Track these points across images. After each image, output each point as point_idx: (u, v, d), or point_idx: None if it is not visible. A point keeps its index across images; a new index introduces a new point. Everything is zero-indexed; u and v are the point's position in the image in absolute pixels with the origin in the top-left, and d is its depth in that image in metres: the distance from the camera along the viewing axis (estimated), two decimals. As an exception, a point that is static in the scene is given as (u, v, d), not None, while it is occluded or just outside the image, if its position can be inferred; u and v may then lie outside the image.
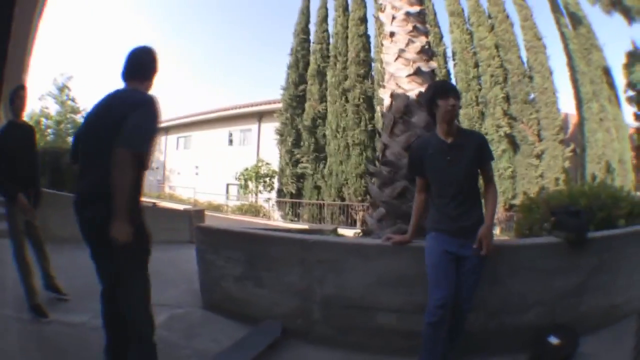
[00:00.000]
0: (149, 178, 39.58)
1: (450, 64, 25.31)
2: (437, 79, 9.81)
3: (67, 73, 40.46)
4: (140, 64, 3.47)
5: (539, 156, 21.94)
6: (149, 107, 3.13)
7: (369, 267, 4.50)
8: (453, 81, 23.31)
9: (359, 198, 22.00)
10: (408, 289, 4.32)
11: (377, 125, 21.84)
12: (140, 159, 3.01)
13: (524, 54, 23.37)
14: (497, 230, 16.96)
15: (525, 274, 4.37)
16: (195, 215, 13.94)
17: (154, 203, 18.58)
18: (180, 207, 18.86)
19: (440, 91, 3.80)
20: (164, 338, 4.21)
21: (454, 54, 24.82)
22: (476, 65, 23.51)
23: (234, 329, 4.98)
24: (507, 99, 22.46)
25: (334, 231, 11.68)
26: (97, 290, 4.37)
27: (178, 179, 38.56)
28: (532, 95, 22.76)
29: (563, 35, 24.66)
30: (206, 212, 17.30)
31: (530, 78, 22.72)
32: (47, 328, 4.66)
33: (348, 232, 12.74)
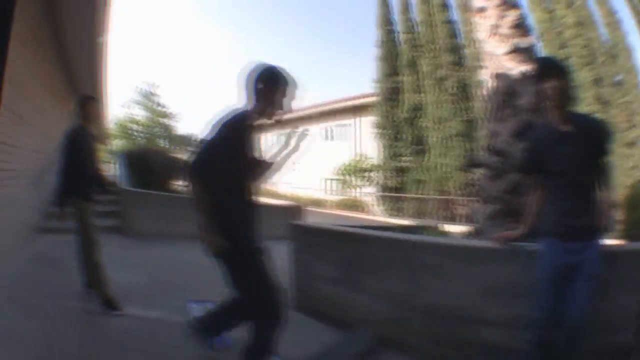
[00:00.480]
0: None
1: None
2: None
3: (151, 81, 43.76)
4: None
5: (631, 145, 19.82)
6: None
7: (477, 273, 4.01)
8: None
9: (461, 192, 21.17)
10: (519, 300, 3.74)
11: (475, 115, 21.06)
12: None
13: (603, 31, 21.18)
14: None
15: (632, 285, 3.67)
16: (290, 210, 13.71)
17: None
18: (281, 202, 18.66)
19: (542, 72, 3.32)
20: (244, 338, 4.00)
21: (539, 35, 22.39)
22: (562, 46, 21.44)
23: (323, 333, 4.88)
24: (596, 81, 20.41)
25: (436, 228, 10.92)
26: (177, 286, 5.95)
27: (278, 175, 38.35)
28: (618, 77, 20.57)
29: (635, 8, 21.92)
30: (307, 207, 17.41)
31: (614, 57, 20.62)
32: (120, 322, 4.75)
33: (450, 229, 11.94)
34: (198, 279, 6.59)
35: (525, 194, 5.90)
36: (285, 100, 3.58)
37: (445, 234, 8.23)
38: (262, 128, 3.63)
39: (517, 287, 3.78)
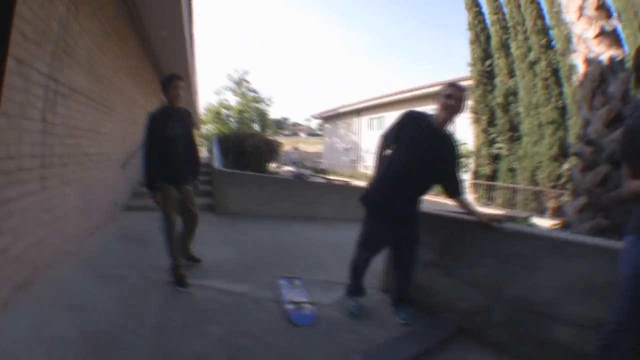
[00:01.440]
0: (343, 159, 41.22)
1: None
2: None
3: (241, 69, 45.26)
4: None
5: None
6: None
7: (565, 268, 3.80)
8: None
9: (552, 183, 20.36)
10: (597, 300, 3.54)
11: (567, 101, 20.19)
12: None
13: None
14: None
15: None
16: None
17: (347, 182, 18.97)
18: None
19: None
20: (331, 317, 4.67)
21: (619, 14, 20.29)
22: None
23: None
24: None
25: (526, 219, 10.53)
26: (267, 264, 6.37)
27: (371, 158, 38.47)
28: None
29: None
30: None
31: None
32: (205, 294, 4.97)
33: (540, 222, 11.48)
34: (288, 257, 6.96)
35: (613, 187, 5.60)
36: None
37: (534, 226, 7.91)
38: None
39: (601, 286, 3.53)
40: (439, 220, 5.12)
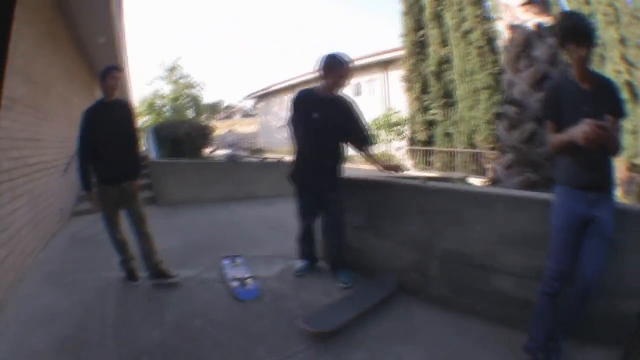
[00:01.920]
0: (278, 136, 40.55)
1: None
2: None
3: (174, 55, 44.04)
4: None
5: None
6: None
7: (493, 221, 4.02)
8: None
9: (490, 145, 20.39)
10: (531, 250, 3.77)
11: (502, 68, 20.04)
12: None
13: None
14: (618, 193, 15.22)
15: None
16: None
17: (280, 159, 19.17)
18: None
19: (572, 35, 3.12)
20: (274, 289, 4.86)
21: None
22: (587, 2, 20.60)
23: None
24: (622, 41, 19.46)
25: (463, 180, 10.95)
26: (210, 246, 6.50)
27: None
28: None
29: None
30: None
31: (638, 20, 19.36)
32: (156, 283, 5.02)
33: (476, 181, 11.94)
34: (229, 238, 7.08)
35: (540, 144, 5.95)
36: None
37: (468, 184, 8.31)
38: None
39: (532, 236, 3.78)
40: (365, 184, 5.34)
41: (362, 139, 5.05)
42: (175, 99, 37.50)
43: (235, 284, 4.91)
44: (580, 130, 2.84)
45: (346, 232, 5.25)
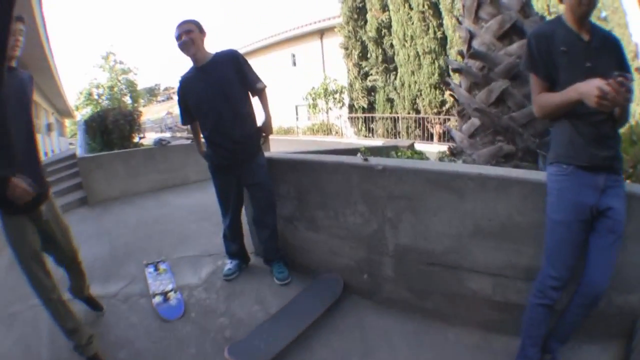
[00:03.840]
0: None
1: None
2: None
3: (108, 41, 44.34)
4: None
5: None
6: None
7: (464, 209, 3.12)
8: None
9: (435, 110, 20.46)
10: (513, 244, 3.00)
11: (447, 32, 19.96)
12: None
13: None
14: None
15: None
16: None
17: None
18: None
19: None
20: (202, 301, 4.20)
21: None
22: None
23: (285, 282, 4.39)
24: None
25: (411, 147, 9.81)
26: (138, 249, 5.80)
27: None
28: (603, 14, 19.18)
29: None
30: (276, 137, 16.68)
31: None
32: (84, 307, 4.16)
33: (426, 148, 10.95)
34: (156, 236, 6.54)
35: (514, 106, 4.99)
36: None
37: (420, 154, 7.14)
38: None
39: (515, 229, 2.97)
40: (286, 165, 4.39)
41: (249, 85, 4.24)
42: (111, 87, 36.94)
43: (158, 299, 4.25)
44: (593, 87, 2.14)
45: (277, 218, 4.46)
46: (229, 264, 4.72)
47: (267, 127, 4.34)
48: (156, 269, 5.00)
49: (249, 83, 4.17)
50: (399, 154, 6.77)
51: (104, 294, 4.48)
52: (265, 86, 4.26)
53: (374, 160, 3.63)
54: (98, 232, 7.13)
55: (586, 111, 2.30)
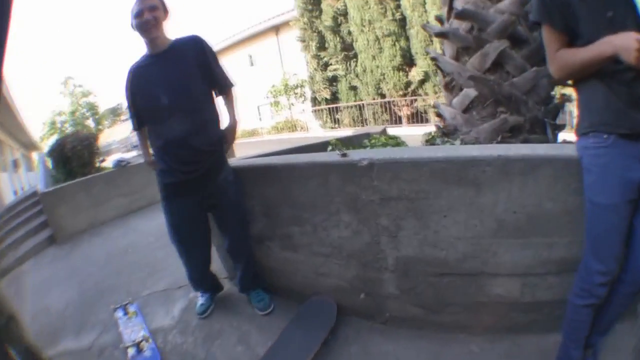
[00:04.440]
0: None
1: None
2: None
3: (67, 70, 43.80)
4: None
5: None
6: None
7: (481, 203, 2.48)
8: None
9: (400, 93, 20.07)
10: (544, 237, 2.47)
11: (406, 13, 19.53)
12: None
13: None
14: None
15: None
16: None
17: None
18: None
19: None
20: (178, 347, 3.59)
21: None
22: None
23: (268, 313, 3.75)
24: None
25: (384, 133, 9.01)
26: (107, 289, 5.29)
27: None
28: None
29: None
30: (241, 141, 17.07)
31: None
32: None
33: (398, 132, 10.23)
34: (124, 271, 6.06)
35: (515, 70, 4.27)
36: None
37: (395, 139, 6.28)
38: None
39: (546, 219, 2.42)
40: (246, 173, 3.58)
41: (220, 85, 3.45)
42: (73, 112, 36.12)
43: (131, 351, 3.70)
44: (632, 40, 1.77)
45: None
46: (200, 300, 4.00)
47: (231, 133, 3.53)
48: (126, 313, 4.47)
49: (215, 78, 3.35)
50: (373, 141, 5.93)
51: (78, 348, 4.06)
52: (233, 84, 3.48)
53: (355, 155, 2.86)
54: (68, 273, 6.62)
55: (616, 68, 1.92)
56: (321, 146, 5.86)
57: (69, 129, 34.49)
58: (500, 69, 4.26)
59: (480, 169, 2.38)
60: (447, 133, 4.79)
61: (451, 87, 4.86)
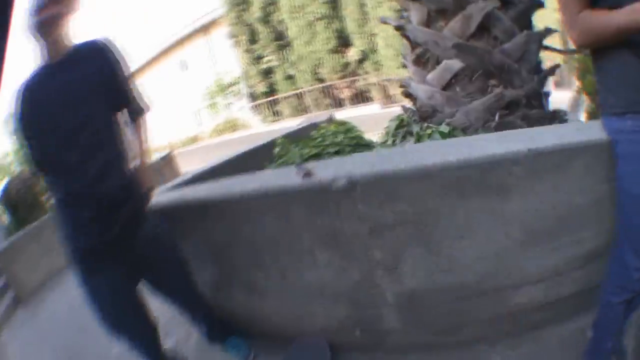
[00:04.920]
0: None
1: None
2: None
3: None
4: None
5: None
6: None
7: (507, 212, 2.01)
8: None
9: (338, 75, 20.03)
10: (573, 235, 2.10)
11: None
12: None
13: None
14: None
15: None
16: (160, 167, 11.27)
17: None
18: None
19: None
20: None
21: None
22: None
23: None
24: None
25: (332, 120, 8.19)
26: (77, 353, 4.86)
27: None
28: None
29: None
30: (184, 150, 17.06)
31: None
32: None
33: (346, 115, 9.73)
34: (89, 326, 4.26)
35: (504, 34, 3.62)
36: None
37: (346, 125, 5.52)
38: None
39: (577, 215, 2.07)
40: (185, 211, 2.84)
41: (131, 105, 2.55)
42: (18, 150, 34.66)
43: None
44: None
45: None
46: None
47: (144, 172, 2.65)
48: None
49: (123, 98, 2.49)
50: (322, 132, 5.15)
51: None
52: (148, 108, 2.62)
53: (324, 171, 2.21)
54: (39, 338, 6.10)
55: None
56: (267, 150, 5.10)
57: (16, 170, 31.89)
58: (487, 34, 3.58)
59: (506, 171, 1.87)
60: (424, 116, 4.05)
61: (424, 61, 4.04)
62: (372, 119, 13.22)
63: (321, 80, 20.70)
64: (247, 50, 22.85)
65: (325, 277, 2.33)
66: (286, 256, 2.39)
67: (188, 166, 10.77)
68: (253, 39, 22.71)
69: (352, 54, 19.08)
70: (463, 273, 2.13)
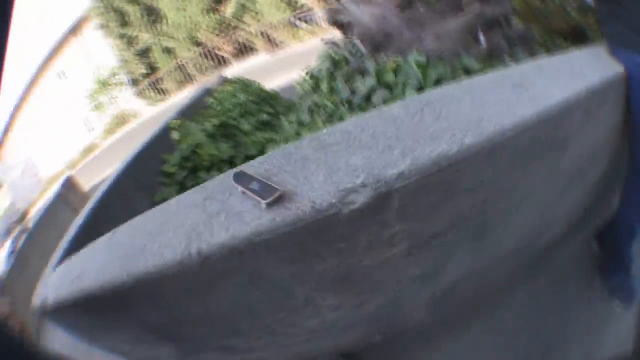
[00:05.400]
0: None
1: None
2: None
3: None
4: None
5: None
6: None
7: (562, 166, 1.67)
8: None
9: (217, 33, 19.75)
10: (598, 173, 1.98)
11: None
12: None
13: None
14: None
15: None
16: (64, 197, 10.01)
17: None
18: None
19: None
20: None
21: None
22: None
23: None
24: None
25: (224, 80, 7.11)
26: None
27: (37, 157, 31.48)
28: None
29: None
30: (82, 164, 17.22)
31: None
32: None
33: (237, 71, 9.32)
34: None
35: None
36: None
37: (244, 82, 4.97)
38: None
39: (602, 150, 1.90)
40: (96, 308, 1.58)
41: None
42: None
43: None
44: None
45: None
46: None
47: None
48: None
49: None
50: (219, 96, 4.53)
51: None
52: None
53: (305, 183, 1.31)
54: None
55: None
56: (163, 140, 4.11)
57: None
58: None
59: (572, 118, 1.50)
60: (374, 47, 3.11)
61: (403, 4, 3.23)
62: (264, 69, 12.86)
63: (202, 44, 20.34)
64: (120, 36, 21.83)
65: (335, 318, 1.72)
66: (271, 316, 1.65)
67: (94, 179, 10.17)
68: (124, 22, 21.64)
69: (228, 8, 18.76)
70: (503, 248, 1.79)
